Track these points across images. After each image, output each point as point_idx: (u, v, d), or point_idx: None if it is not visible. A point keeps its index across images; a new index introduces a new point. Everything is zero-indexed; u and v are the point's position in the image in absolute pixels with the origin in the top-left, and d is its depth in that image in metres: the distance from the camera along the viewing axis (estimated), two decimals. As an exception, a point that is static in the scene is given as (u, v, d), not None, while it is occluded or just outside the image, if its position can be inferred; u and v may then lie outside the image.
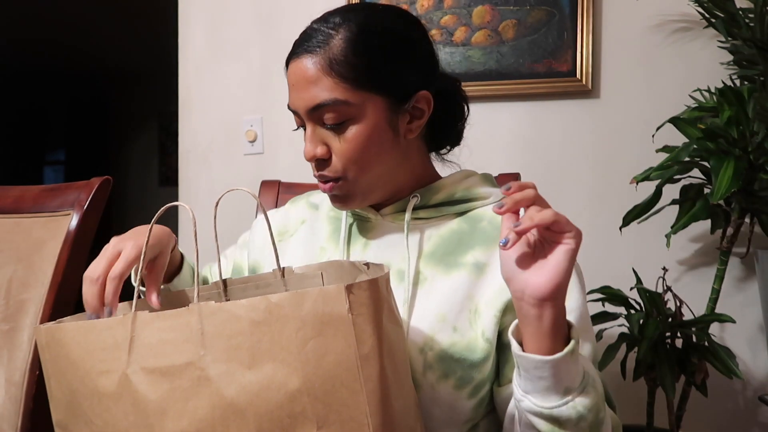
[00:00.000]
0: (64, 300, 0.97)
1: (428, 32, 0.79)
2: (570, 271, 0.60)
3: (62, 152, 6.14)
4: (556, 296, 0.60)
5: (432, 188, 0.80)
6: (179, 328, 0.55)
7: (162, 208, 0.63)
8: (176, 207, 0.86)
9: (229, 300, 0.75)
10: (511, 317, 0.73)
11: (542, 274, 0.60)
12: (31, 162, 6.02)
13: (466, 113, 0.84)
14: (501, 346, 0.75)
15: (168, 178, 5.48)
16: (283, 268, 0.76)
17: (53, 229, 1.01)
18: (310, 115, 0.73)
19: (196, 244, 0.58)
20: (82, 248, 1.00)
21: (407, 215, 0.78)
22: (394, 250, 0.79)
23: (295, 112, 0.75)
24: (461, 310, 0.73)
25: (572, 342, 0.61)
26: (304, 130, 0.76)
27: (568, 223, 0.59)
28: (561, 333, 0.62)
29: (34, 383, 0.92)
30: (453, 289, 0.74)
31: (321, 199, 0.92)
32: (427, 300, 0.74)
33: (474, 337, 0.73)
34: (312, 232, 0.87)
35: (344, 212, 0.84)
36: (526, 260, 0.62)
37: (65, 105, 5.98)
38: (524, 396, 0.64)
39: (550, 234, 0.60)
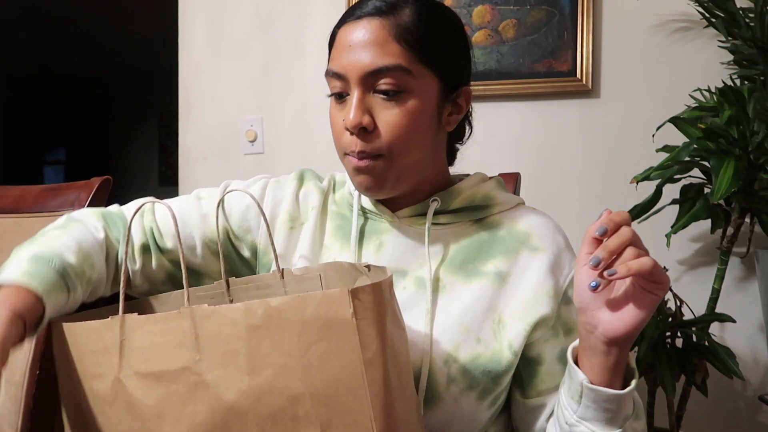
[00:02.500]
0: (64, 300, 0.96)
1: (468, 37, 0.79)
2: (648, 319, 0.59)
3: (62, 152, 6.14)
4: (628, 340, 0.60)
5: (451, 192, 0.77)
6: (171, 332, 0.54)
7: (140, 205, 0.62)
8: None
9: (232, 301, 0.75)
10: (541, 332, 0.72)
11: (620, 318, 0.59)
12: (31, 162, 6.02)
13: (467, 136, 0.83)
14: (525, 360, 0.74)
15: (168, 178, 5.48)
16: (283, 269, 0.75)
17: (53, 229, 1.01)
18: (365, 80, 0.68)
19: (180, 245, 0.58)
20: (82, 248, 0.99)
21: (428, 221, 0.75)
22: (411, 256, 0.76)
23: (338, 76, 0.70)
24: (484, 320, 0.71)
25: (635, 378, 0.63)
26: (338, 99, 0.71)
27: (662, 272, 0.57)
28: (623, 367, 0.63)
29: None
30: (475, 299, 0.72)
31: (326, 186, 0.85)
32: (449, 309, 0.72)
33: (498, 348, 0.71)
34: (318, 224, 0.81)
35: (354, 210, 0.78)
36: (606, 297, 0.61)
37: (65, 105, 5.98)
38: (580, 422, 0.64)
39: (640, 278, 0.58)
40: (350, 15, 0.71)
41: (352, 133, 0.69)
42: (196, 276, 0.82)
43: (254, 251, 0.82)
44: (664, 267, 1.52)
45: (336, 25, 0.73)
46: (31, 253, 0.64)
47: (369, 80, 0.68)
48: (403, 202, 0.77)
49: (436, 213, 0.76)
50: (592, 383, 0.62)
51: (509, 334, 0.71)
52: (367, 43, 0.68)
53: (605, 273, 0.57)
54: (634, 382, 0.62)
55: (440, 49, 0.71)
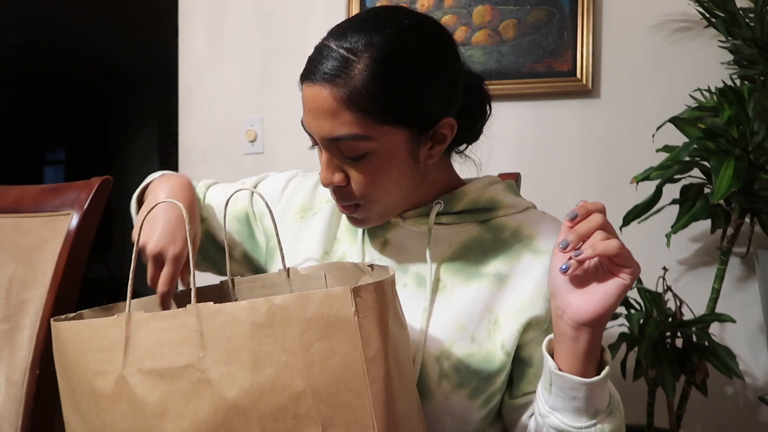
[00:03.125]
0: (65, 299, 0.97)
1: (453, 38, 0.73)
2: (617, 305, 0.60)
3: (62, 152, 6.13)
4: (596, 324, 0.60)
5: (456, 195, 0.77)
6: (177, 330, 0.54)
7: (153, 205, 0.63)
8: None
9: (237, 299, 0.75)
10: (533, 334, 0.72)
11: (588, 301, 0.60)
12: (31, 162, 6.02)
13: (488, 114, 0.80)
14: (517, 361, 0.74)
15: (168, 178, 5.47)
16: (288, 268, 0.75)
17: (53, 228, 1.01)
18: (328, 145, 0.69)
19: (190, 245, 0.58)
20: (82, 248, 0.99)
21: (430, 222, 0.76)
22: (413, 254, 0.77)
23: (309, 134, 0.71)
24: (480, 321, 0.72)
25: (607, 367, 0.63)
26: (319, 149, 0.72)
27: (630, 257, 0.59)
28: (595, 356, 0.63)
29: (35, 383, 0.91)
30: (473, 299, 0.73)
31: None
32: (447, 308, 0.73)
33: (492, 348, 0.71)
34: (332, 217, 0.84)
35: None
36: (576, 281, 0.61)
37: (65, 105, 5.97)
38: (551, 412, 0.65)
39: (609, 263, 0.60)
40: (308, 73, 0.67)
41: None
42: (223, 252, 0.85)
43: (266, 236, 0.87)
44: (664, 267, 1.53)
45: (302, 74, 0.69)
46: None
47: (332, 145, 0.68)
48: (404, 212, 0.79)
49: (440, 214, 0.77)
50: (561, 370, 0.62)
51: (503, 334, 0.72)
52: (320, 112, 0.66)
53: (572, 255, 0.59)
54: (604, 372, 0.62)
55: (403, 102, 0.66)
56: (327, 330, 0.52)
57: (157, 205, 0.69)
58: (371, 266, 0.68)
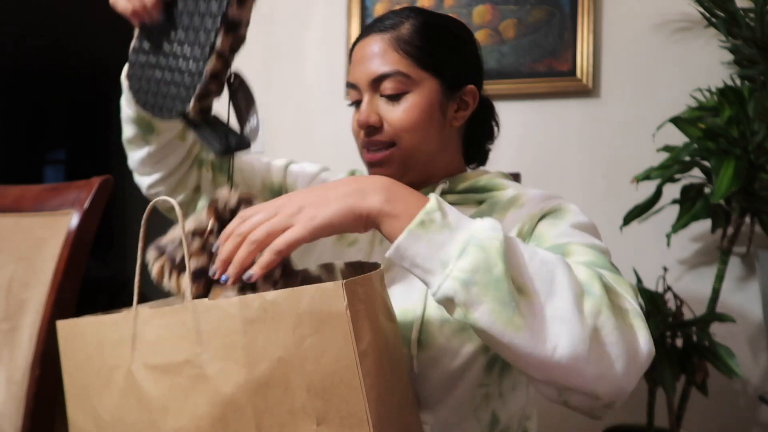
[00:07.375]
0: (65, 299, 0.97)
1: (477, 43, 0.87)
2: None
3: (63, 151, 6.14)
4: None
5: (459, 177, 0.86)
6: (176, 326, 0.55)
7: (150, 204, 0.63)
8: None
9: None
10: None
11: None
12: (32, 161, 6.02)
13: (496, 135, 0.92)
14: None
15: (168, 178, 5.47)
16: None
17: (54, 228, 1.01)
18: (371, 85, 0.80)
19: (184, 241, 0.58)
20: (82, 247, 0.99)
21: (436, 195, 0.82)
22: None
23: (353, 86, 0.82)
24: None
25: (413, 222, 0.58)
26: (356, 106, 0.83)
27: (278, 223, 0.58)
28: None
29: (35, 382, 0.92)
30: None
31: None
32: None
33: None
34: None
35: None
36: None
37: (65, 105, 5.98)
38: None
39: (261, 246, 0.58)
40: (362, 35, 0.84)
41: (362, 130, 0.81)
42: None
43: None
44: (664, 267, 1.52)
45: (354, 41, 0.85)
46: None
47: (375, 85, 0.80)
48: (415, 188, 0.81)
49: (444, 193, 0.84)
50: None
51: None
52: (371, 55, 0.80)
53: (244, 278, 0.58)
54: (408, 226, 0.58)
55: (438, 55, 0.80)
56: (319, 325, 0.52)
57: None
58: (360, 263, 0.70)
